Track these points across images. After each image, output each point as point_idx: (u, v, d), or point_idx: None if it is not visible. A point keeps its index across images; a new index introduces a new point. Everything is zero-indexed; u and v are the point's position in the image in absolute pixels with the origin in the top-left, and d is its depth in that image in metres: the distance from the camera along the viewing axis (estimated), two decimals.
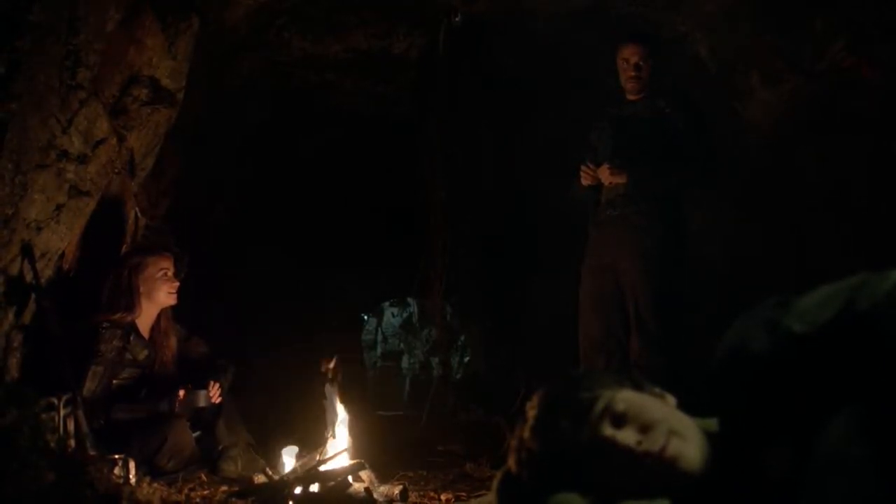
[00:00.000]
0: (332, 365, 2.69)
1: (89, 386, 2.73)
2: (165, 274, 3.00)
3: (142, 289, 2.94)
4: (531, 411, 1.26)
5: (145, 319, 2.99)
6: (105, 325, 2.84)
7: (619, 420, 1.19)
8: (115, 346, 2.85)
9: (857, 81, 3.02)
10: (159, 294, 2.98)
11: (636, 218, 3.16)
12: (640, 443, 1.16)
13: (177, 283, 3.05)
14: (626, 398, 1.22)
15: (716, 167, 3.16)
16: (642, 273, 3.11)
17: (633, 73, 3.22)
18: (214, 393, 2.94)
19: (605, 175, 3.17)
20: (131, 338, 2.91)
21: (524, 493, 1.24)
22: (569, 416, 1.21)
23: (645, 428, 1.18)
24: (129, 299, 2.91)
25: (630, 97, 3.29)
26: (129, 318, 2.91)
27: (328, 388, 2.68)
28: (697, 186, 3.25)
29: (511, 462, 1.28)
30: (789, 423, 1.06)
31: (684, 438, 1.17)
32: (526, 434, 1.25)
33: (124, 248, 3.23)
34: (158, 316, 3.04)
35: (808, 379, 1.04)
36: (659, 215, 3.16)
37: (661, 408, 1.24)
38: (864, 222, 3.14)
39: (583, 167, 3.23)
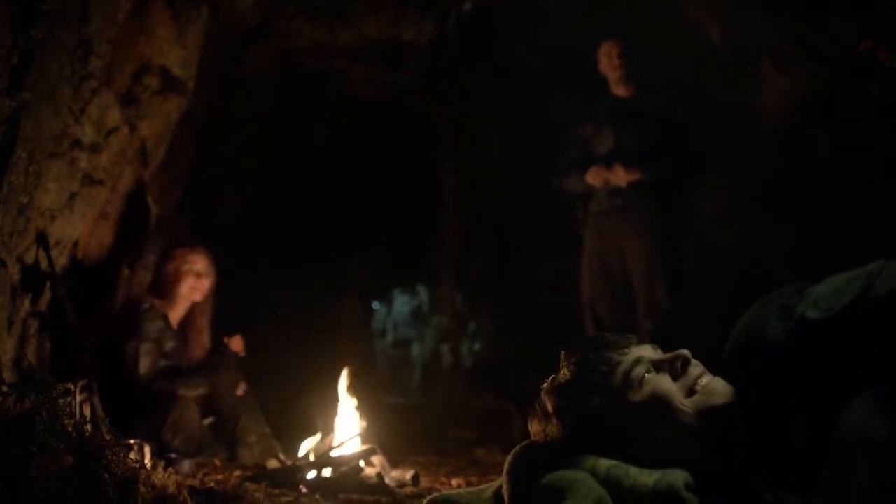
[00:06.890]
0: (348, 375, 2.69)
1: (144, 363, 2.79)
2: (191, 268, 3.00)
3: (167, 278, 2.98)
4: (562, 369, 1.27)
5: (176, 312, 3.02)
6: (146, 307, 2.91)
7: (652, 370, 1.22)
8: (158, 325, 2.90)
9: (873, 66, 2.98)
10: (182, 286, 2.99)
11: (639, 204, 3.21)
12: (675, 380, 1.19)
13: (203, 281, 3.03)
14: (654, 354, 1.25)
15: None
16: (647, 254, 3.19)
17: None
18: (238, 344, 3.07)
19: (622, 175, 3.18)
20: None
21: (545, 461, 1.22)
22: (599, 371, 1.23)
23: (675, 374, 1.20)
24: (159, 286, 3.00)
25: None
26: (161, 306, 2.95)
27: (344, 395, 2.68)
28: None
29: (534, 426, 1.29)
30: (806, 405, 1.08)
31: (712, 376, 1.20)
32: (555, 393, 1.26)
33: (148, 238, 3.24)
34: (192, 312, 3.06)
35: (824, 363, 1.05)
36: (658, 201, 3.22)
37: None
38: (879, 210, 3.11)
39: (595, 168, 3.24)
